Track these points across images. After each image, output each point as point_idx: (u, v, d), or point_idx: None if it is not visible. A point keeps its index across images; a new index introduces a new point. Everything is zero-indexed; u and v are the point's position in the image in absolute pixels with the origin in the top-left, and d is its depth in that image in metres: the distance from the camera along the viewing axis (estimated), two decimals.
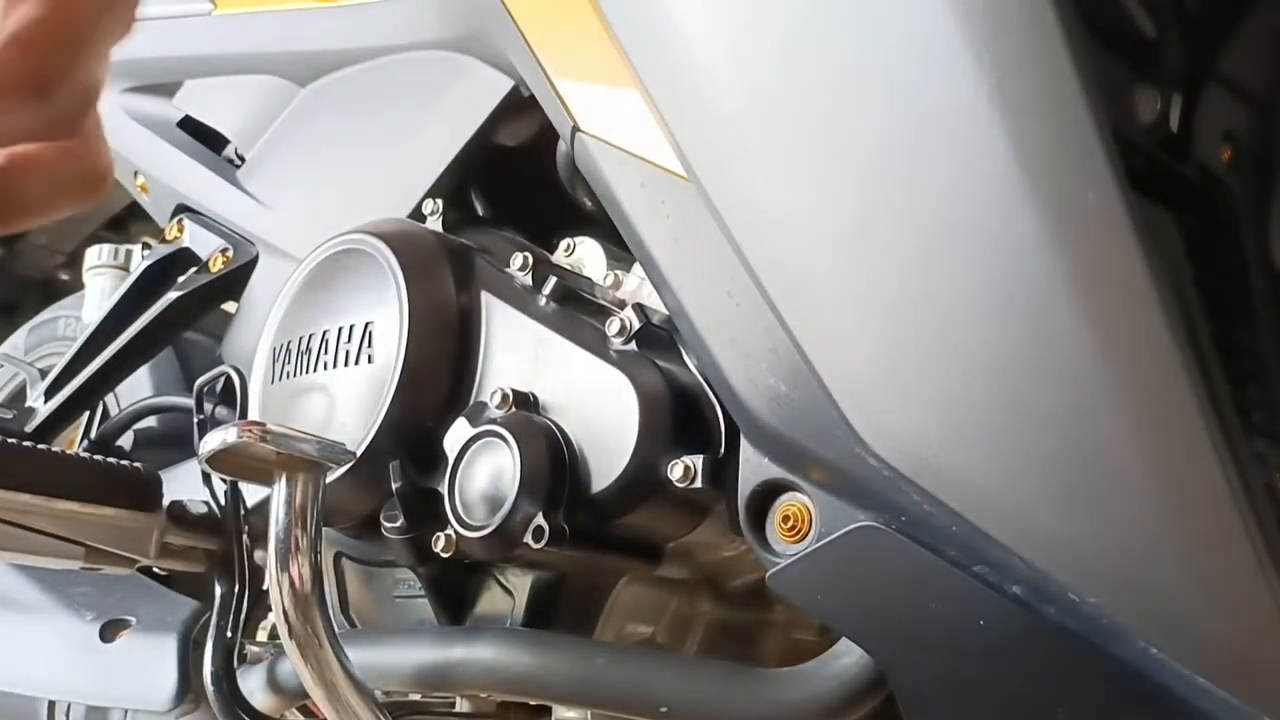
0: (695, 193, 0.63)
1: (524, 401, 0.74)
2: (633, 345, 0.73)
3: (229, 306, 1.09)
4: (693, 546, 0.77)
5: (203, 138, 1.15)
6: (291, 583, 0.70)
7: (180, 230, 1.12)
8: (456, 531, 0.73)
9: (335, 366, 0.79)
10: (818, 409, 0.59)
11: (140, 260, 1.15)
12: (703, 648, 0.83)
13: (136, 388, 1.24)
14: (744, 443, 0.65)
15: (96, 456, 0.85)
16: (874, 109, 0.55)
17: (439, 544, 0.75)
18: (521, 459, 0.70)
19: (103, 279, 1.38)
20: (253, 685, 0.84)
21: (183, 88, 1.17)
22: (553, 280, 0.77)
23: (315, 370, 0.81)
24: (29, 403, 1.12)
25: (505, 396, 0.74)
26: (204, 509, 0.88)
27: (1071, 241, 0.51)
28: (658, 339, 0.73)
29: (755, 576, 0.82)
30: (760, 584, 0.67)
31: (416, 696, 0.85)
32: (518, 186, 0.92)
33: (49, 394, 1.09)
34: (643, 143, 0.67)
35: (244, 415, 0.84)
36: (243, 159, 1.10)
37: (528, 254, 0.80)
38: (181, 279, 1.08)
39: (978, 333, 0.53)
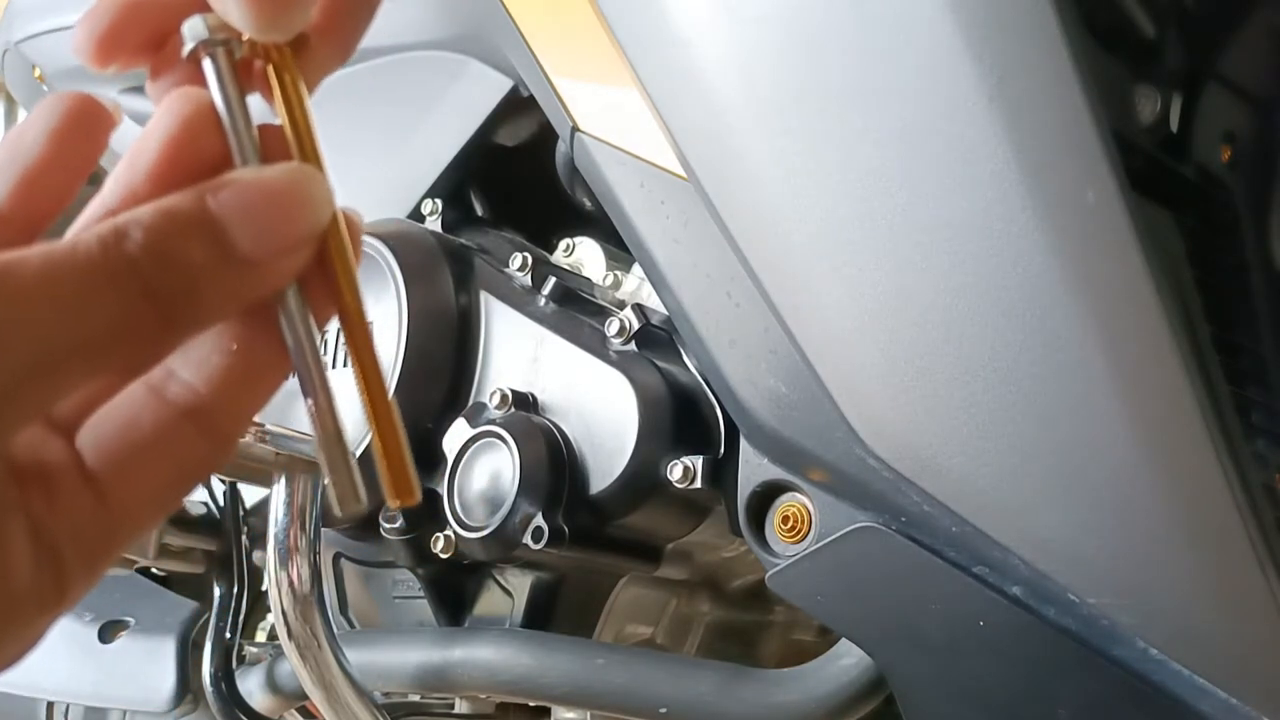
0: (695, 193, 0.63)
1: (523, 402, 0.74)
2: (632, 345, 0.73)
3: None
4: (692, 547, 0.77)
5: None
6: (290, 583, 0.70)
7: None
8: (455, 532, 0.73)
9: (334, 366, 0.79)
10: (817, 409, 0.59)
11: None
12: (703, 648, 0.82)
13: None
14: (744, 443, 0.65)
15: None
16: (874, 108, 0.55)
17: (438, 545, 0.75)
18: (520, 459, 0.70)
19: None
20: (251, 686, 0.84)
21: None
22: (552, 280, 0.77)
23: None
24: None
25: (504, 397, 0.74)
26: (203, 510, 0.88)
27: (1071, 241, 0.51)
28: (657, 339, 0.73)
29: (755, 577, 0.82)
30: (760, 585, 0.67)
31: (416, 697, 0.85)
32: (517, 186, 0.92)
33: None
34: (642, 143, 0.67)
35: None
36: None
37: (527, 254, 0.80)
38: None
39: (978, 333, 0.53)
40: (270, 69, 0.31)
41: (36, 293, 0.25)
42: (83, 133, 0.30)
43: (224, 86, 0.31)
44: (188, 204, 0.27)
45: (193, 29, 0.31)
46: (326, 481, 0.30)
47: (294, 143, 0.31)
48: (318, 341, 0.30)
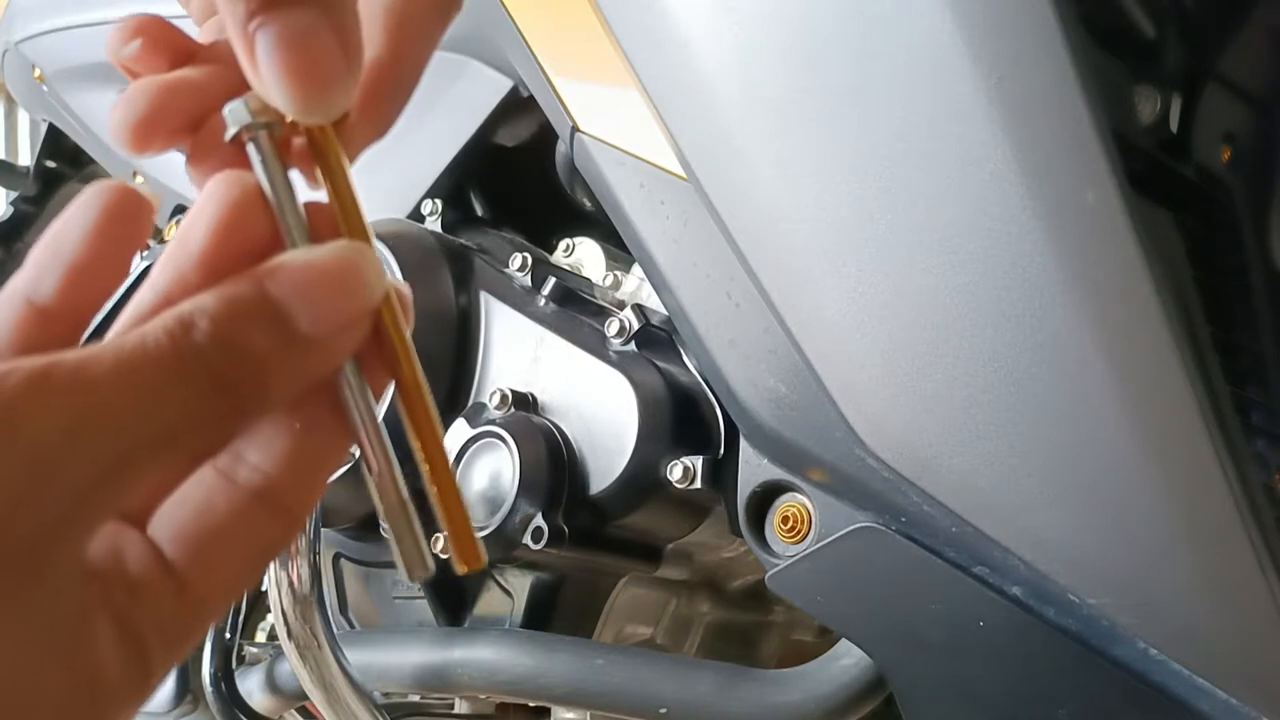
0: (695, 193, 0.63)
1: (523, 402, 0.74)
2: (632, 346, 0.73)
3: None
4: (692, 547, 0.77)
5: None
6: (290, 583, 0.70)
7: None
8: None
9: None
10: (817, 410, 0.59)
11: (139, 261, 1.14)
12: (703, 648, 0.82)
13: None
14: (743, 443, 0.65)
15: None
16: (873, 109, 0.55)
17: (438, 545, 0.74)
18: (520, 460, 0.70)
19: None
20: (251, 686, 0.84)
21: None
22: (552, 281, 0.77)
23: None
24: None
25: (504, 397, 0.74)
26: None
27: (1071, 241, 0.51)
28: (657, 339, 0.73)
29: (755, 577, 0.82)
30: (760, 585, 0.67)
31: (415, 697, 0.85)
32: (517, 186, 0.92)
33: None
34: (642, 143, 0.67)
35: None
36: None
37: (527, 254, 0.80)
38: None
39: (977, 333, 0.53)
40: (314, 147, 0.31)
41: (112, 390, 0.26)
42: (124, 226, 0.30)
43: (269, 168, 0.30)
44: (248, 290, 0.28)
45: (235, 113, 0.30)
46: (394, 550, 0.31)
47: (341, 219, 0.31)
48: (377, 414, 0.30)
